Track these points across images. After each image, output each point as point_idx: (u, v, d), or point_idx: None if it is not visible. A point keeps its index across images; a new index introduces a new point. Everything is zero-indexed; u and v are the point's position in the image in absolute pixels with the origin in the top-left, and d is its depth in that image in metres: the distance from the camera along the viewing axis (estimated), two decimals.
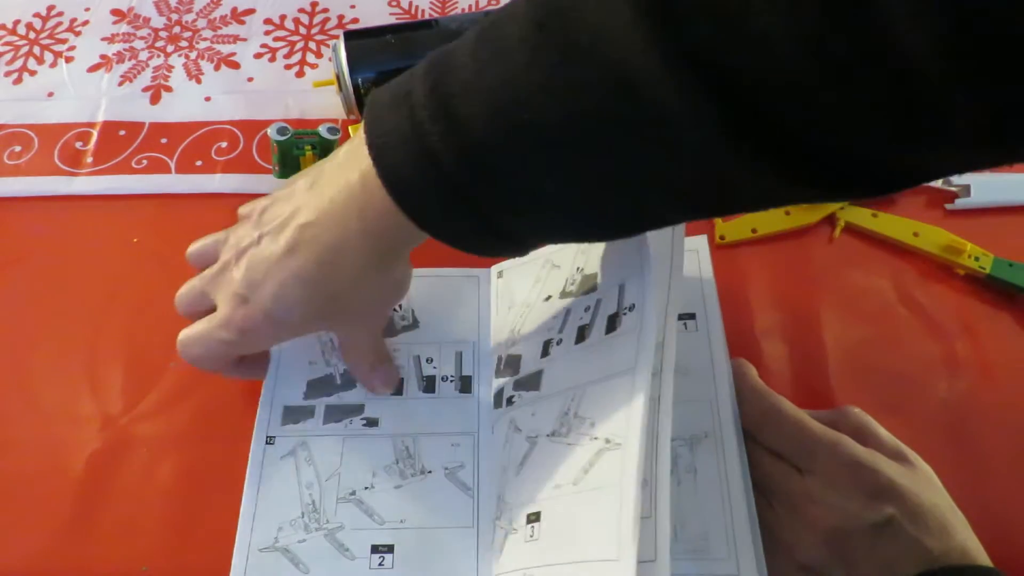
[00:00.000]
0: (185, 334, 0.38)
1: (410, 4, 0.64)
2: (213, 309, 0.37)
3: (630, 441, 0.32)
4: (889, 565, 0.32)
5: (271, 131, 0.49)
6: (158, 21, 0.63)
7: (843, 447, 0.34)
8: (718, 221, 0.49)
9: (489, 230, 0.31)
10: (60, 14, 0.64)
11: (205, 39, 0.61)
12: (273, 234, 0.34)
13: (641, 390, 0.33)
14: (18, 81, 0.59)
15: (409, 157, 0.29)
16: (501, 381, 0.42)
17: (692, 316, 0.41)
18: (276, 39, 0.61)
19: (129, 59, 0.60)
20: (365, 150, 0.30)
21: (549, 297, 0.43)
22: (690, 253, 0.45)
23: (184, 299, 0.39)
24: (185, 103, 0.57)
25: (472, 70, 0.28)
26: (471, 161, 0.28)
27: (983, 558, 0.32)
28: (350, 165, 0.32)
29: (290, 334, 0.38)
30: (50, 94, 0.58)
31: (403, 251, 0.35)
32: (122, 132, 0.55)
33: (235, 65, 0.60)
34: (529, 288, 0.45)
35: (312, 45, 0.61)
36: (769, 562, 0.35)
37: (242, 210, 0.39)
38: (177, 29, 0.62)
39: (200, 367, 0.38)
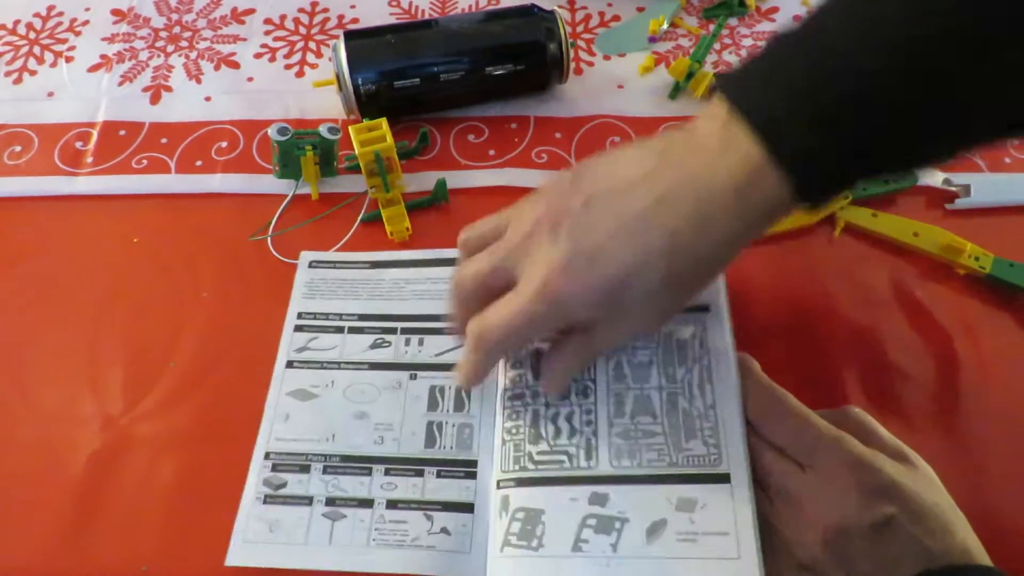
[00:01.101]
0: (491, 318, 0.34)
1: (410, 4, 0.64)
2: (505, 289, 0.34)
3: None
4: (889, 564, 0.32)
5: (271, 131, 0.49)
6: (158, 21, 0.63)
7: (844, 445, 0.34)
8: None
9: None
10: (60, 14, 0.64)
11: (205, 39, 0.62)
12: (610, 198, 0.32)
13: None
14: (18, 81, 0.59)
15: (784, 103, 0.30)
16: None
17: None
18: (276, 39, 0.61)
19: (129, 59, 0.60)
20: (717, 120, 0.31)
21: None
22: None
23: (472, 279, 0.36)
24: (185, 103, 0.57)
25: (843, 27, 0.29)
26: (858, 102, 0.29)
27: (984, 558, 0.32)
28: (704, 133, 0.32)
29: (612, 310, 0.33)
30: (50, 94, 0.58)
31: (766, 223, 0.32)
32: (122, 132, 0.55)
33: (235, 65, 0.60)
34: None
35: (312, 45, 0.61)
36: (769, 560, 0.35)
37: (539, 189, 0.36)
38: (177, 29, 0.62)
39: (491, 357, 0.36)
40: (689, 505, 0.36)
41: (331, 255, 0.48)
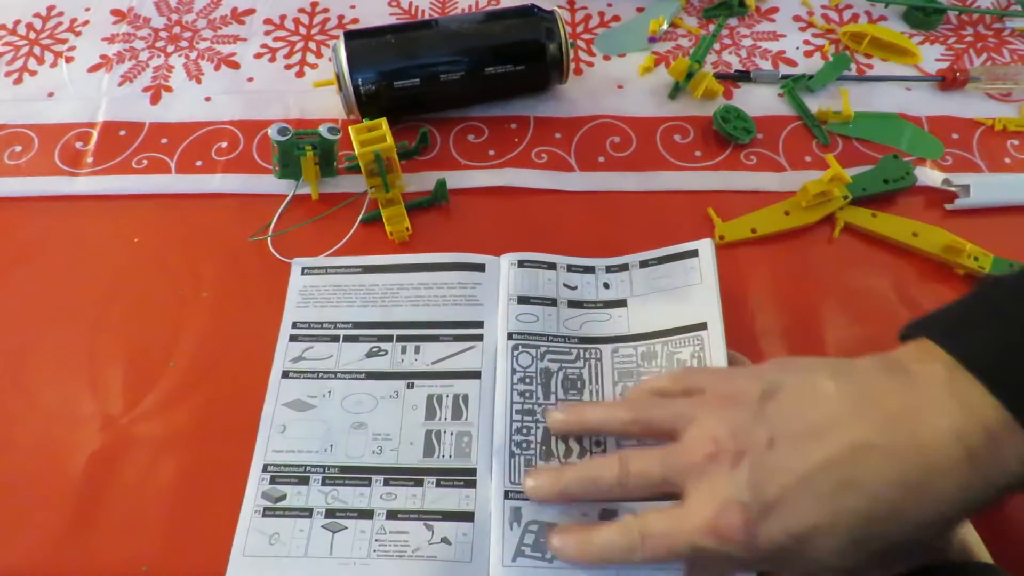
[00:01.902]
0: (655, 527, 0.32)
1: (410, 4, 0.64)
2: (664, 496, 0.32)
3: None
4: (888, 559, 0.32)
5: (271, 131, 0.49)
6: (158, 21, 0.63)
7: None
8: (718, 221, 0.49)
9: None
10: (60, 14, 0.64)
11: (205, 39, 0.62)
12: (796, 442, 0.29)
13: None
14: (18, 81, 0.59)
15: None
16: None
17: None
18: (276, 39, 0.62)
19: (129, 59, 0.60)
20: (937, 363, 0.28)
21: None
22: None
23: (638, 477, 0.33)
24: (185, 103, 0.57)
25: None
26: None
27: (984, 554, 0.32)
28: (920, 379, 0.28)
29: (782, 564, 0.30)
30: (50, 94, 0.58)
31: (1000, 495, 0.28)
32: (122, 132, 0.55)
33: (235, 65, 0.60)
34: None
35: (312, 45, 0.61)
36: None
37: (719, 384, 0.34)
38: (177, 29, 0.62)
39: (640, 559, 0.32)
40: None
41: (323, 260, 0.48)
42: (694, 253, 0.44)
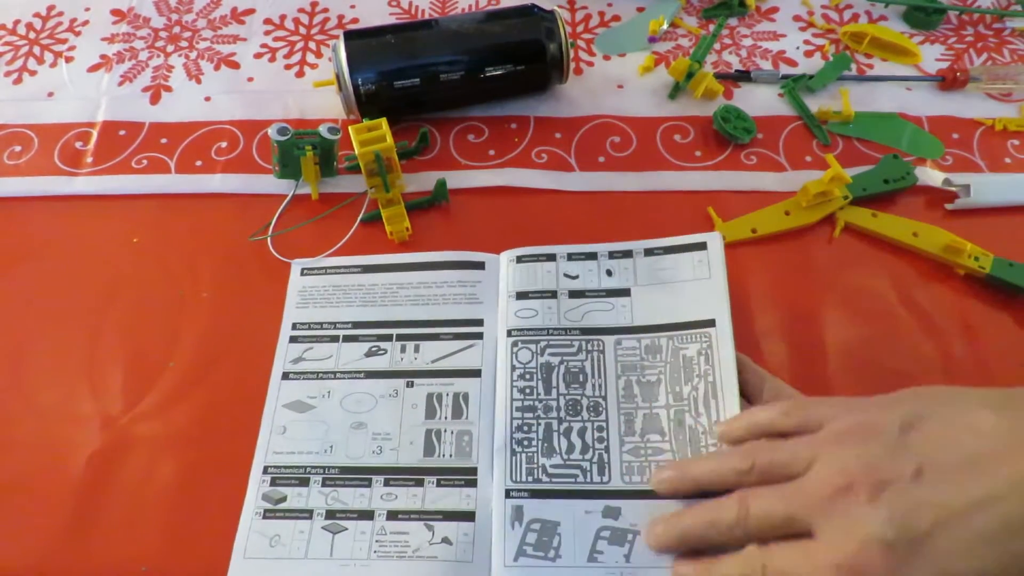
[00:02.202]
0: (781, 563, 0.29)
1: (410, 4, 0.64)
2: (780, 531, 0.29)
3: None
4: None
5: (271, 131, 0.48)
6: (158, 21, 0.63)
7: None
8: (718, 220, 0.49)
9: None
10: (60, 14, 0.64)
11: (205, 39, 0.62)
12: (950, 474, 0.26)
13: None
14: (18, 81, 0.59)
15: None
16: None
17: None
18: (276, 39, 0.61)
19: (129, 59, 0.60)
20: None
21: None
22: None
23: (758, 520, 0.30)
24: (185, 103, 0.57)
25: None
26: None
27: None
28: None
29: None
30: (50, 94, 0.58)
31: None
32: (122, 132, 0.55)
33: (235, 65, 0.60)
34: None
35: (312, 45, 0.61)
36: None
37: (843, 415, 0.30)
38: (177, 29, 0.62)
39: None
40: None
41: (322, 261, 0.48)
42: (702, 246, 0.44)
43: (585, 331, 0.43)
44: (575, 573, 0.36)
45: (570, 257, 0.46)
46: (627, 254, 0.45)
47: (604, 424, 0.40)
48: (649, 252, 0.45)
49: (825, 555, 0.27)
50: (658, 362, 0.41)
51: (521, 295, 0.45)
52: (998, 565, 0.25)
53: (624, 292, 0.44)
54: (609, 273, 0.45)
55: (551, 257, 0.46)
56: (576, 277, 0.45)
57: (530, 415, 0.41)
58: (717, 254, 0.43)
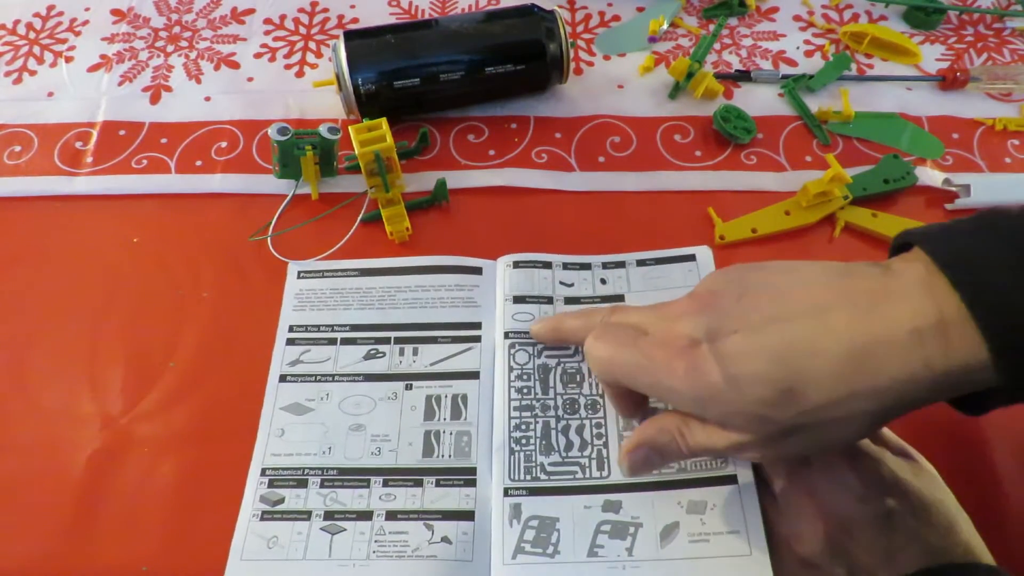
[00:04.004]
0: (596, 350, 0.34)
1: (410, 4, 0.64)
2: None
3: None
4: (891, 559, 0.32)
5: (271, 131, 0.48)
6: (158, 21, 0.63)
7: None
8: (718, 220, 0.49)
9: None
10: (60, 14, 0.64)
11: (205, 39, 0.62)
12: (761, 298, 0.30)
13: None
14: (18, 81, 0.59)
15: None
16: None
17: None
18: (276, 39, 0.61)
19: (129, 59, 0.60)
20: (918, 263, 0.28)
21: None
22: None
23: (618, 316, 0.35)
24: (185, 103, 0.57)
25: None
26: None
27: (986, 556, 0.32)
28: (897, 271, 0.29)
29: (714, 408, 0.31)
30: (50, 94, 0.58)
31: (935, 386, 0.28)
32: (122, 132, 0.55)
33: (235, 65, 0.60)
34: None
35: (312, 45, 0.61)
36: (771, 555, 0.35)
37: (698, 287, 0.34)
38: (177, 29, 0.62)
39: (598, 370, 0.35)
40: (699, 507, 0.37)
41: (320, 264, 0.48)
42: (691, 258, 0.45)
43: None
44: (575, 569, 0.36)
45: (565, 266, 0.46)
46: (620, 264, 0.46)
47: (603, 420, 0.40)
48: (641, 263, 0.46)
49: (646, 344, 0.32)
50: None
51: (518, 299, 0.45)
52: (777, 373, 0.28)
53: (619, 298, 0.45)
54: (603, 281, 0.46)
55: (547, 265, 0.46)
56: (571, 285, 0.46)
57: (528, 414, 0.41)
58: (707, 266, 0.45)
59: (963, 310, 0.26)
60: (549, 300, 0.45)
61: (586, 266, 0.47)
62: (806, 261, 0.31)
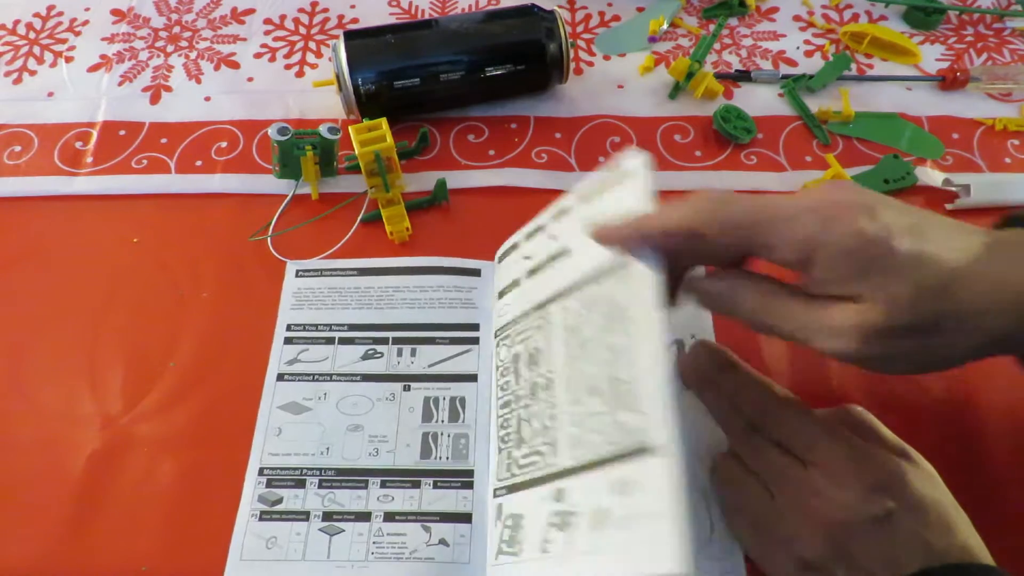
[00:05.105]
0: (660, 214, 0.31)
1: (410, 4, 0.64)
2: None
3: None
4: (890, 560, 0.32)
5: (271, 131, 0.48)
6: (158, 21, 0.63)
7: (845, 440, 0.34)
8: None
9: None
10: (60, 14, 0.64)
11: (205, 39, 0.62)
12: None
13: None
14: (18, 81, 0.59)
15: None
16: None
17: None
18: (276, 39, 0.61)
19: (129, 59, 0.60)
20: None
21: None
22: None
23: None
24: (185, 103, 0.57)
25: None
26: None
27: (985, 556, 0.32)
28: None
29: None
30: (50, 94, 0.58)
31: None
32: (122, 132, 0.55)
33: (235, 65, 0.60)
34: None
35: (312, 45, 0.61)
36: (769, 556, 0.35)
37: None
38: (177, 29, 0.62)
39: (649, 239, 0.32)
40: (626, 488, 0.31)
41: (318, 263, 0.48)
42: (632, 174, 0.35)
43: (539, 306, 0.39)
44: (529, 567, 0.33)
45: (528, 237, 0.43)
46: (565, 212, 0.40)
47: (554, 400, 0.36)
48: (584, 199, 0.38)
49: (798, 199, 0.30)
50: (594, 316, 0.35)
51: (502, 293, 0.45)
52: (942, 266, 0.28)
53: (565, 253, 0.38)
54: (554, 238, 0.40)
55: (515, 246, 0.44)
56: (530, 257, 0.42)
57: (507, 410, 0.40)
58: (644, 178, 0.35)
59: None
60: (517, 283, 0.42)
61: (541, 228, 0.42)
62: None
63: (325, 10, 0.63)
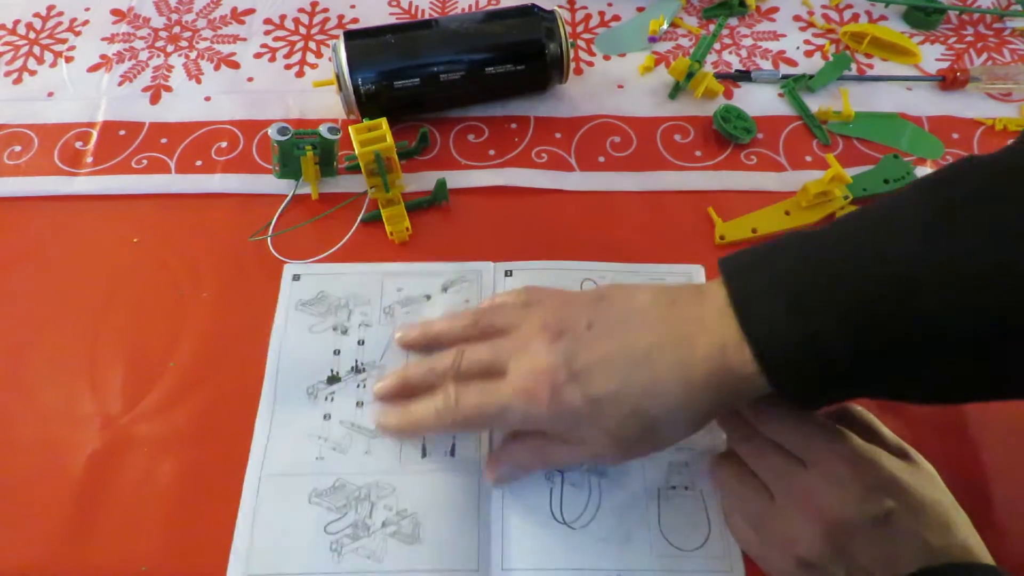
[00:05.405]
0: (470, 398, 0.37)
1: (410, 4, 0.64)
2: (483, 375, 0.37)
3: None
4: (889, 560, 0.32)
5: (271, 131, 0.48)
6: (158, 21, 0.63)
7: (845, 440, 0.34)
8: (718, 220, 0.49)
9: (851, 393, 0.34)
10: (60, 14, 0.64)
11: (205, 39, 0.62)
12: (610, 328, 0.35)
13: None
14: (18, 81, 0.59)
15: (790, 334, 0.30)
16: None
17: None
18: (276, 39, 0.61)
19: (129, 59, 0.60)
20: (723, 303, 0.32)
21: None
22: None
23: (469, 364, 0.38)
24: (185, 103, 0.57)
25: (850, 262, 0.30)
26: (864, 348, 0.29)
27: (985, 556, 0.32)
28: (708, 296, 0.33)
29: (576, 429, 0.36)
30: (50, 94, 0.58)
31: (735, 399, 0.35)
32: (122, 132, 0.55)
33: (235, 65, 0.60)
34: None
35: (312, 45, 0.61)
36: (769, 556, 0.35)
37: (558, 294, 0.40)
38: (177, 29, 0.62)
39: (447, 429, 0.39)
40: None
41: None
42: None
43: None
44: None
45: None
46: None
47: None
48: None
49: (509, 384, 0.36)
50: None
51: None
52: (617, 387, 0.33)
53: None
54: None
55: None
56: None
57: None
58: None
59: (740, 334, 0.31)
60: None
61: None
62: (640, 286, 0.36)
63: (325, 10, 0.63)
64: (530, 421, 0.36)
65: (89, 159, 0.54)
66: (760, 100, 0.56)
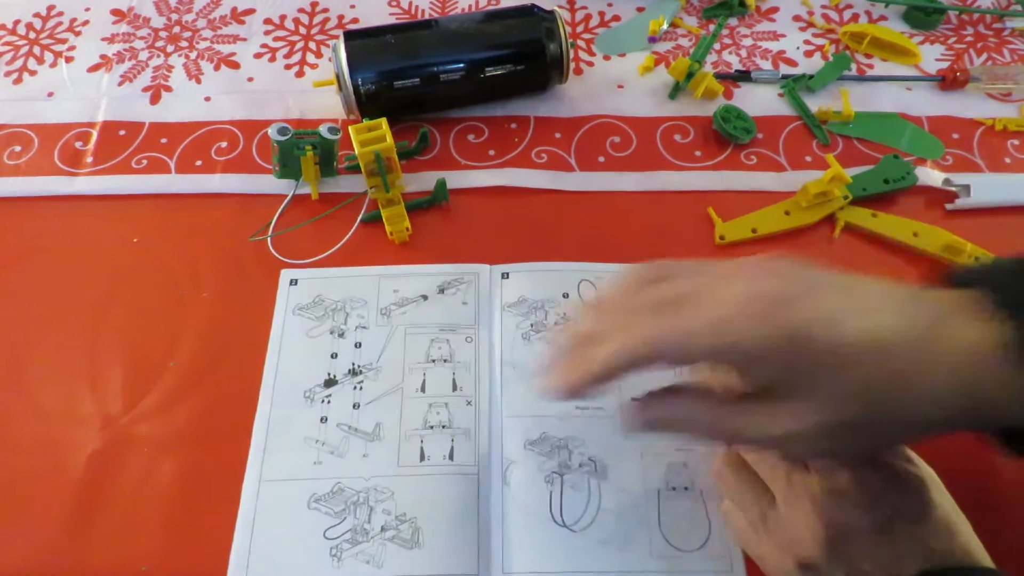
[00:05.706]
0: (658, 319, 0.29)
1: (410, 4, 0.64)
2: None
3: None
4: (891, 564, 0.32)
5: (271, 131, 0.48)
6: (158, 21, 0.63)
7: None
8: (718, 220, 0.49)
9: None
10: (60, 14, 0.64)
11: (205, 39, 0.61)
12: (834, 281, 0.29)
13: None
14: (18, 81, 0.59)
15: None
16: None
17: None
18: (276, 39, 0.61)
19: (129, 59, 0.60)
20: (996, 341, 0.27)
21: None
22: None
23: (656, 293, 0.30)
24: (185, 103, 0.57)
25: None
26: None
27: (986, 559, 0.32)
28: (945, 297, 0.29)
29: (784, 372, 0.29)
30: (50, 94, 0.58)
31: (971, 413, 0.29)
32: (122, 132, 0.55)
33: (235, 65, 0.60)
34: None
35: (312, 45, 0.61)
36: (769, 556, 0.35)
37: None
38: (177, 29, 0.62)
39: (614, 368, 0.29)
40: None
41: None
42: None
43: None
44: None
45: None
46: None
47: None
48: None
49: (720, 304, 0.28)
50: None
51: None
52: (892, 342, 0.27)
53: None
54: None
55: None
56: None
57: None
58: None
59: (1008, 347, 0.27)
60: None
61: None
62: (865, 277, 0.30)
63: (325, 10, 0.63)
64: (739, 352, 0.28)
65: (89, 159, 0.54)
66: (760, 100, 0.56)
